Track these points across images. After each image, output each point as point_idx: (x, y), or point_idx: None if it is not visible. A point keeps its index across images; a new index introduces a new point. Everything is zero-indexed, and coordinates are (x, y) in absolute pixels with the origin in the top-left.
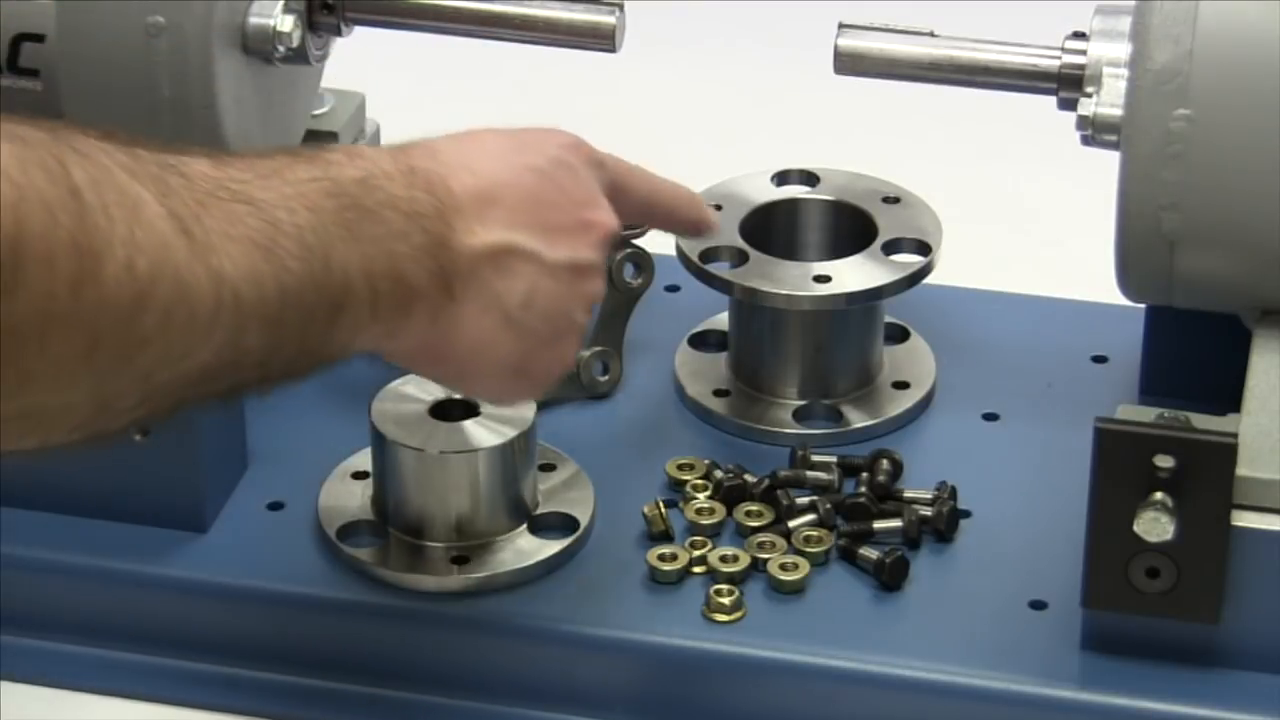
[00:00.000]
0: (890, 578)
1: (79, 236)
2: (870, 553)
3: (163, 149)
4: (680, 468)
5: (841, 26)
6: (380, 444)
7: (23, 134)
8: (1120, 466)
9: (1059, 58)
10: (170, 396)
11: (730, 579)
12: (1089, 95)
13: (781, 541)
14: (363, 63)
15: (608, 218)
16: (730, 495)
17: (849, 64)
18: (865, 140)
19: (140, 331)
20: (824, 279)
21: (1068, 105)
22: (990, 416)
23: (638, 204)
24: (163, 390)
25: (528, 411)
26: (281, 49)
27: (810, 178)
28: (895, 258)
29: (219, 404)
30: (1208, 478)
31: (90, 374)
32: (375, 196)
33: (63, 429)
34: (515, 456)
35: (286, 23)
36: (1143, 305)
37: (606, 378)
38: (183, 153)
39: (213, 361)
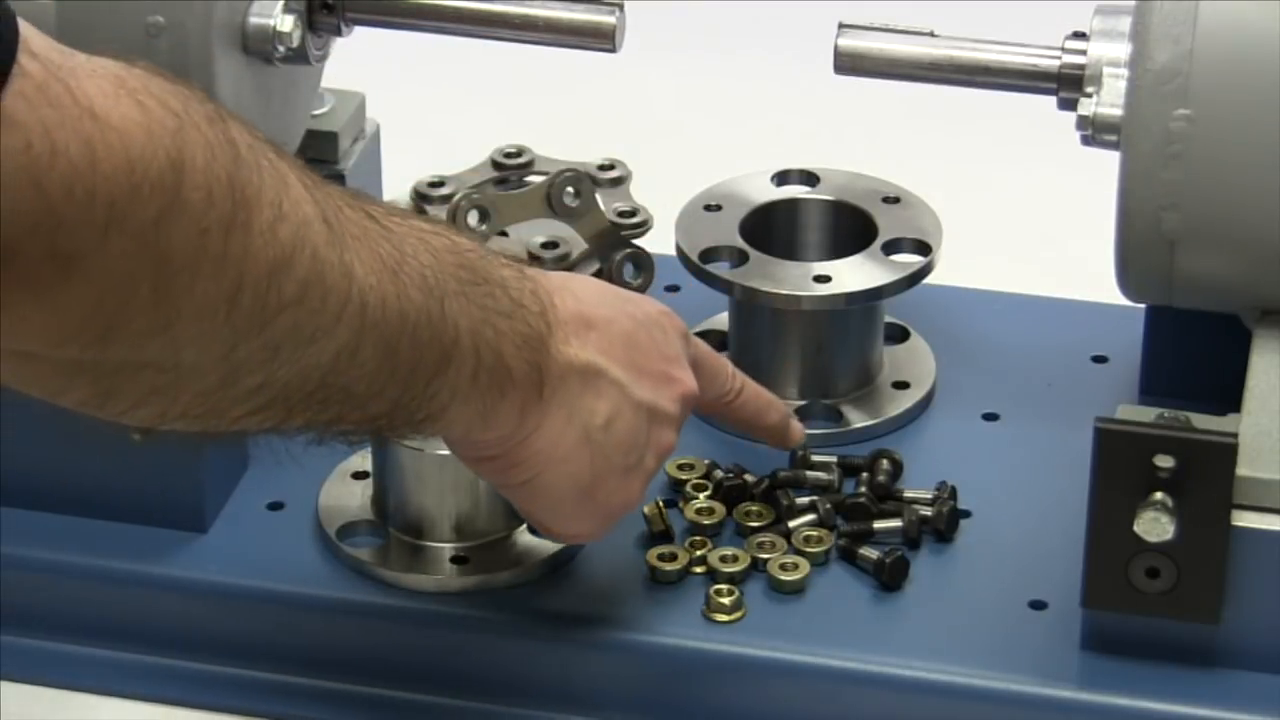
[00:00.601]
0: (890, 578)
1: (235, 181)
2: (870, 553)
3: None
4: (680, 468)
5: (841, 26)
6: (380, 444)
7: (184, 81)
8: (1120, 466)
9: (1059, 58)
10: (284, 398)
11: (730, 579)
12: (1089, 95)
13: (781, 541)
14: (363, 63)
15: (691, 381)
16: (730, 495)
17: (849, 64)
18: (865, 140)
19: (279, 294)
20: (824, 279)
21: (1068, 105)
22: (990, 416)
23: (713, 391)
24: (282, 383)
25: None
26: (281, 49)
27: (810, 178)
28: (895, 258)
29: (316, 438)
30: (1208, 478)
31: (229, 326)
32: (489, 271)
33: (186, 396)
34: None
35: (286, 23)
36: (1143, 305)
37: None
38: (322, 177)
39: (330, 368)
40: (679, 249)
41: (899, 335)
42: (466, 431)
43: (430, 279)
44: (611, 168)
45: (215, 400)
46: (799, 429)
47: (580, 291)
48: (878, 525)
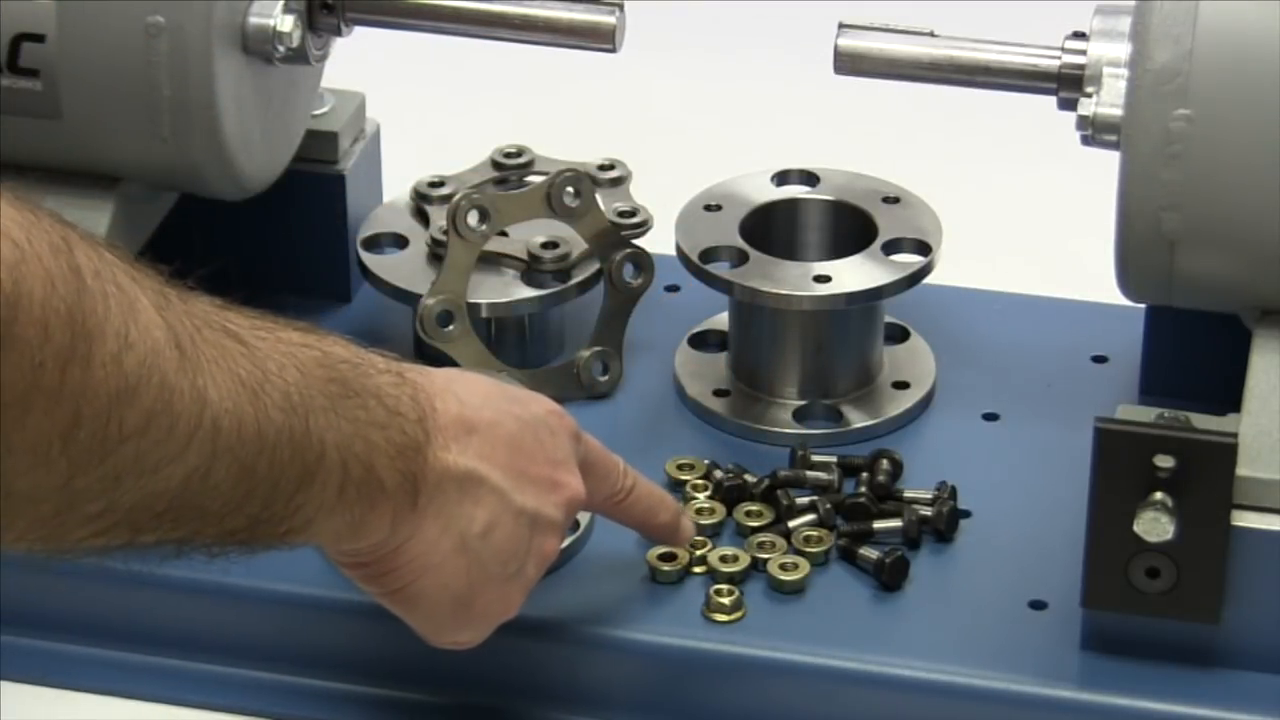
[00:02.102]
0: (890, 578)
1: (75, 313)
2: (870, 553)
3: (167, 281)
4: (680, 468)
5: (841, 26)
6: None
7: (30, 205)
8: (1120, 466)
9: (1059, 58)
10: (130, 521)
11: (730, 579)
12: (1089, 95)
13: (781, 541)
14: (363, 63)
15: (578, 484)
16: (730, 495)
17: (849, 64)
18: (865, 140)
19: (120, 427)
20: (824, 279)
21: (1068, 105)
22: (990, 416)
23: (604, 491)
24: (126, 507)
25: None
26: (281, 49)
27: (810, 178)
28: (895, 258)
29: (171, 553)
30: (1208, 478)
31: (65, 459)
32: (363, 382)
33: (21, 524)
34: None
35: (286, 23)
36: (1143, 305)
37: (606, 378)
38: (183, 287)
39: (180, 490)
40: (679, 249)
41: (899, 335)
42: (335, 541)
43: (295, 396)
44: (611, 168)
45: (53, 527)
46: (689, 527)
47: (464, 394)
48: (878, 525)
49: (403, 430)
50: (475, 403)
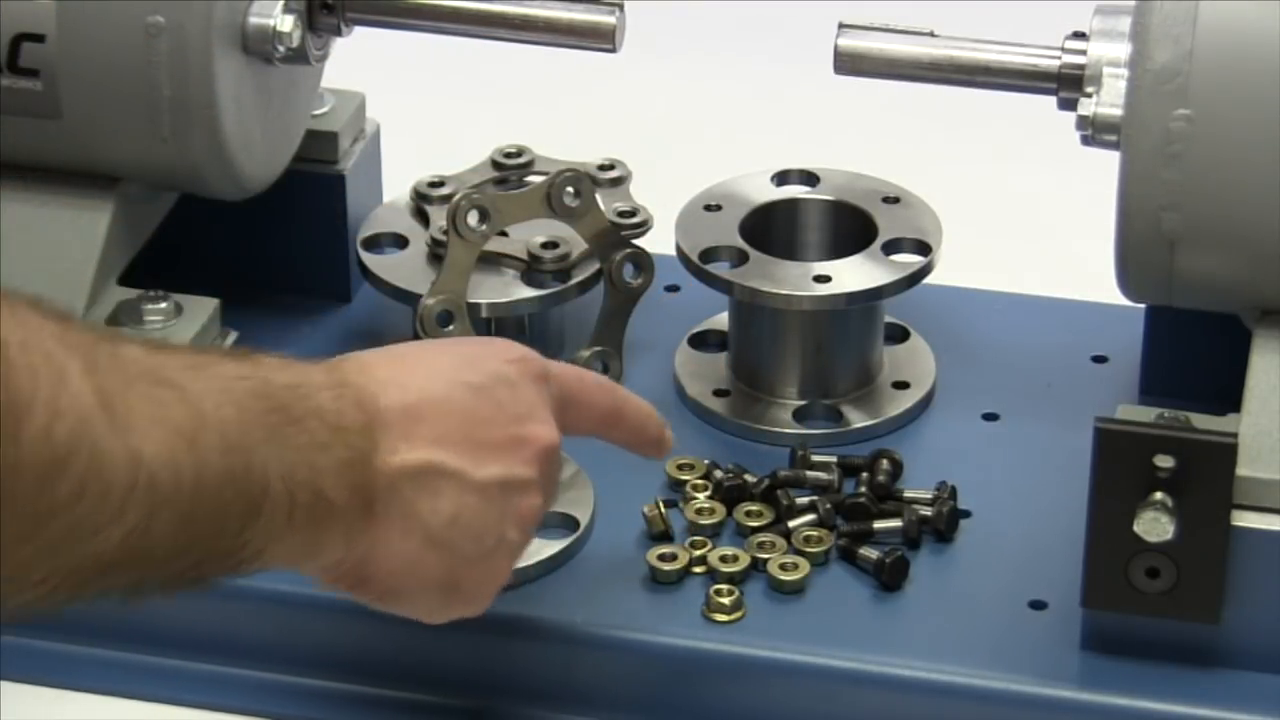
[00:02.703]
0: (890, 578)
1: (2, 391)
2: (870, 553)
3: (96, 328)
4: (680, 468)
5: (841, 26)
6: None
7: None
8: (1120, 466)
9: (1059, 58)
10: (74, 581)
11: (730, 579)
12: (1089, 95)
13: (781, 541)
14: (363, 63)
15: (546, 432)
16: (730, 495)
17: (849, 64)
18: (865, 140)
19: (52, 500)
20: (824, 279)
21: (1068, 105)
22: (990, 416)
23: (593, 417)
24: (68, 570)
25: None
26: (281, 49)
27: (810, 178)
28: (895, 258)
29: (122, 599)
30: (1208, 478)
31: None
32: (303, 405)
33: None
34: None
35: (286, 23)
36: (1143, 305)
37: (606, 378)
38: (116, 335)
39: (121, 547)
40: (679, 249)
41: (899, 335)
42: (292, 564)
43: (233, 435)
44: (611, 168)
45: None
46: (670, 436)
47: (409, 378)
48: (878, 525)
49: (347, 445)
50: (420, 385)
